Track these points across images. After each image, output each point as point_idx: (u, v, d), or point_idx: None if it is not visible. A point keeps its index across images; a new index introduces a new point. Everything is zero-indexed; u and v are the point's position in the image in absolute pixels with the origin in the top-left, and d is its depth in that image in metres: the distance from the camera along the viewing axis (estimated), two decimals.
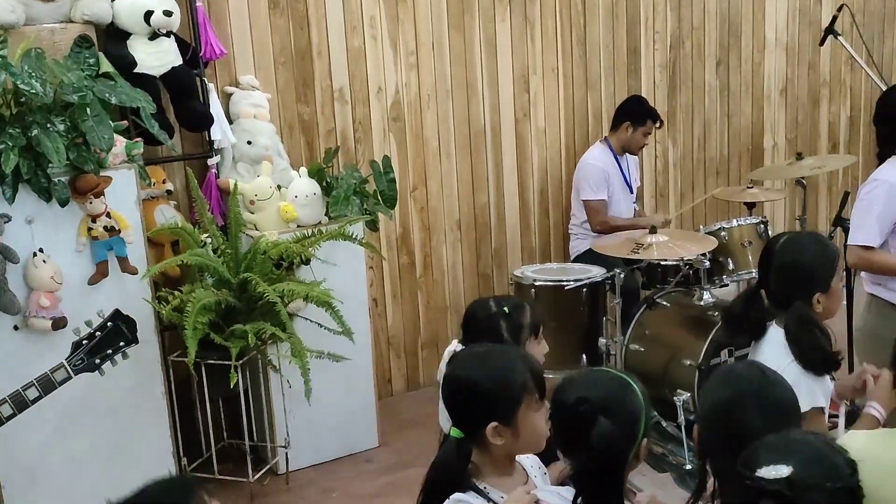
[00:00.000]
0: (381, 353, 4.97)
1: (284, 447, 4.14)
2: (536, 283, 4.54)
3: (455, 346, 3.02)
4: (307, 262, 4.03)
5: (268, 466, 4.18)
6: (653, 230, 4.48)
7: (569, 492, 2.10)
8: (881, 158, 3.54)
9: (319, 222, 4.20)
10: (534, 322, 2.91)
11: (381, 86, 4.78)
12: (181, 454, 3.99)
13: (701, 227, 4.68)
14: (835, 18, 4.79)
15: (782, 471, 1.64)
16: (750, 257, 4.67)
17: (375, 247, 4.41)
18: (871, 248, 3.43)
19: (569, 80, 5.34)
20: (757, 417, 1.98)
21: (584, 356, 4.49)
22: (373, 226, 4.42)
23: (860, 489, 1.72)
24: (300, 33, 4.53)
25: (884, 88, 4.64)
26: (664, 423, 4.37)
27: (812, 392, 2.63)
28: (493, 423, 2.12)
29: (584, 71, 5.38)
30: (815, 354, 2.68)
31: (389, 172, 4.39)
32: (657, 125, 5.15)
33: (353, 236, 4.03)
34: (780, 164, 5.72)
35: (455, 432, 2.16)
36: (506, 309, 2.90)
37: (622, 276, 4.39)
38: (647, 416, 2.14)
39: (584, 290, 4.49)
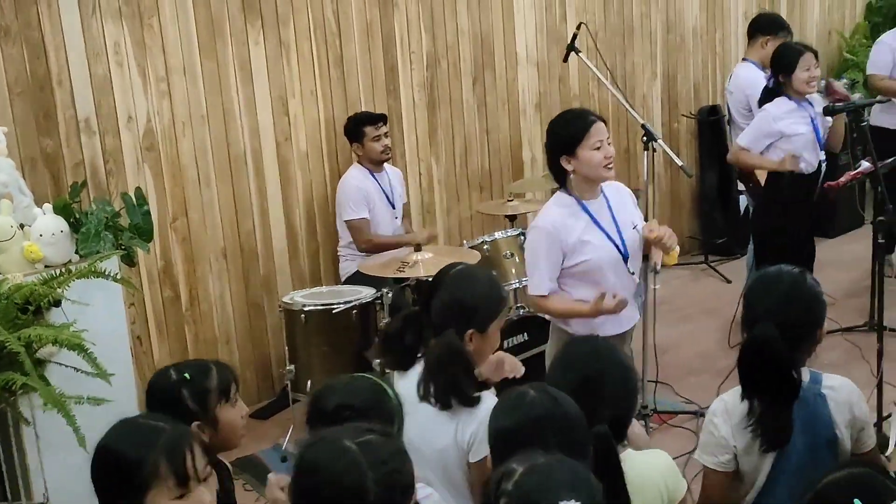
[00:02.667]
0: None
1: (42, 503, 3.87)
2: (306, 309, 4.50)
3: None
4: (57, 303, 3.79)
5: None
6: (418, 248, 4.54)
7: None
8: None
9: (69, 261, 3.97)
10: (222, 384, 2.58)
11: (131, 114, 4.59)
12: None
13: (465, 241, 4.79)
14: (575, 36, 5.03)
15: None
16: (513, 269, 4.82)
17: (132, 283, 4.20)
18: (545, 296, 3.49)
19: (328, 101, 5.33)
20: (547, 446, 1.96)
21: None
22: (129, 261, 4.21)
23: None
24: (37, 62, 4.27)
25: (623, 101, 4.94)
26: None
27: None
28: None
29: (343, 91, 5.39)
30: (450, 389, 2.65)
31: (143, 205, 4.20)
32: (378, 124, 5.14)
33: (107, 273, 3.83)
34: (537, 177, 5.95)
35: None
36: (186, 375, 2.59)
37: (390, 295, 4.42)
38: (400, 419, 2.25)
39: (354, 311, 4.49)
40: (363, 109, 5.43)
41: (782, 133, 4.82)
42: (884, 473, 2.00)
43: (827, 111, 4.60)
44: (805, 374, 2.57)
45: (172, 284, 4.83)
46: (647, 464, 2.36)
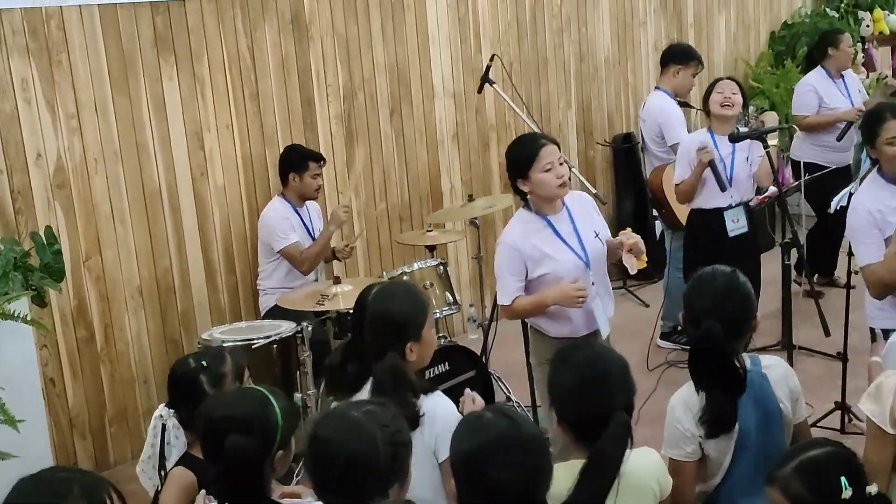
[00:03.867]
0: (63, 435, 4.64)
1: None
2: (225, 345, 4.44)
3: (162, 409, 3.06)
4: None
5: None
6: (337, 280, 4.53)
7: None
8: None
9: None
10: (237, 369, 2.97)
11: (40, 152, 4.51)
12: None
13: (384, 272, 4.79)
14: (488, 68, 5.12)
15: None
16: (433, 299, 4.83)
17: (44, 324, 4.11)
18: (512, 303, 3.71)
19: (244, 135, 5.30)
20: (505, 466, 2.08)
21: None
22: (40, 301, 4.13)
23: None
24: None
25: (537, 130, 5.02)
26: None
27: None
28: None
29: (260, 126, 5.37)
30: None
31: (54, 244, 4.13)
32: (321, 164, 5.20)
33: (16, 315, 3.75)
34: (456, 207, 5.99)
35: None
36: (204, 363, 2.96)
37: (310, 328, 4.39)
38: (284, 431, 2.38)
39: (275, 346, 4.45)
40: (280, 143, 5.42)
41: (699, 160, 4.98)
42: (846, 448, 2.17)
43: (732, 138, 4.75)
44: (746, 361, 2.78)
45: (87, 324, 4.73)
46: (640, 462, 2.49)
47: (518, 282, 3.70)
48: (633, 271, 3.85)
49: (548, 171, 3.60)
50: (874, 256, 3.67)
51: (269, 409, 2.39)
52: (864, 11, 8.86)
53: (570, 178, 4.67)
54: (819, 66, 6.55)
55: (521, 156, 3.65)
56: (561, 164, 3.64)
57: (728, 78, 5.14)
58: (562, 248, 3.69)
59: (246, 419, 2.35)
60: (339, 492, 2.14)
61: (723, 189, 4.98)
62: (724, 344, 2.70)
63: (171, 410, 3.04)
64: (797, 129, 6.08)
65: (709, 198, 5.05)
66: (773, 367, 2.85)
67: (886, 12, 8.92)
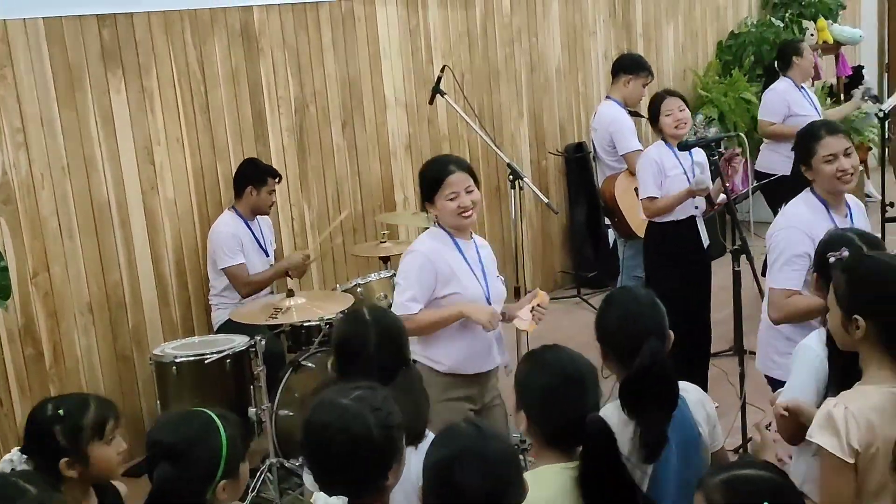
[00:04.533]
0: None
1: None
2: (177, 360, 4.41)
3: (14, 454, 2.59)
4: None
5: None
6: (290, 293, 4.50)
7: None
8: None
9: None
10: (97, 422, 2.57)
11: None
12: None
13: (338, 285, 4.78)
14: (439, 78, 5.13)
15: None
16: None
17: None
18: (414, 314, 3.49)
19: (195, 148, 5.26)
20: (476, 474, 2.06)
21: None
22: None
23: None
24: None
25: (489, 141, 5.04)
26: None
27: None
28: None
29: (211, 138, 5.33)
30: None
31: (0, 260, 4.05)
32: (277, 181, 5.18)
33: None
34: (408, 212, 5.99)
35: None
36: (60, 412, 2.57)
37: (263, 342, 4.36)
38: (229, 460, 2.26)
39: (228, 360, 4.42)
40: (232, 156, 5.38)
41: (665, 174, 4.95)
42: (783, 475, 2.12)
43: (681, 146, 4.80)
44: None
45: (34, 342, 4.65)
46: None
47: (423, 294, 3.52)
48: (521, 327, 3.70)
49: (451, 199, 3.50)
50: (796, 283, 3.50)
51: (212, 436, 2.28)
52: (808, 21, 9.03)
53: (520, 189, 4.75)
54: (782, 76, 6.66)
55: (427, 180, 3.59)
56: (469, 192, 3.52)
57: (671, 93, 5.12)
58: (469, 274, 3.58)
59: (180, 447, 2.24)
60: (341, 478, 2.17)
61: (713, 206, 5.00)
62: (668, 364, 2.60)
63: (24, 456, 2.59)
64: (743, 137, 6.14)
65: (682, 209, 4.97)
66: (689, 391, 2.75)
67: (830, 21, 9.10)
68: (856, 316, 2.38)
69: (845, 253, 2.72)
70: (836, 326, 2.46)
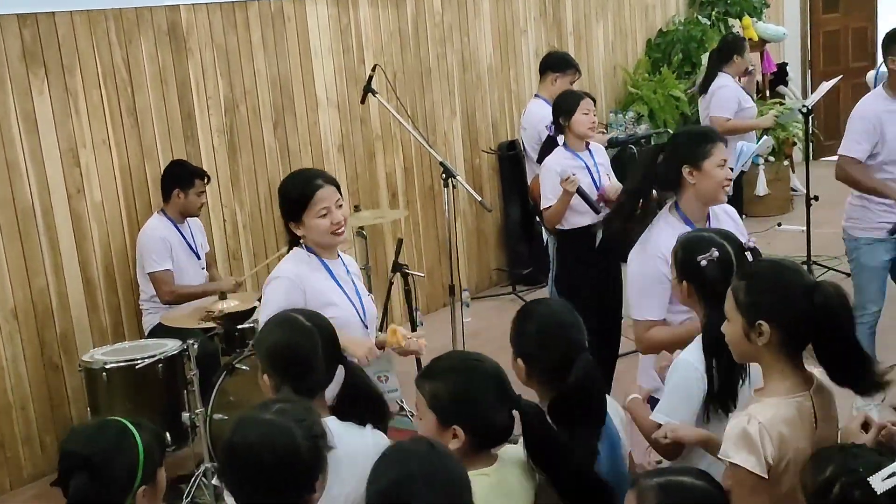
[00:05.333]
0: None
1: None
2: (108, 366, 4.32)
3: None
4: None
5: None
6: (223, 296, 4.44)
7: None
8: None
9: None
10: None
11: None
12: None
13: None
14: (371, 78, 5.10)
15: None
16: None
17: None
18: None
19: (122, 150, 5.16)
20: (428, 494, 1.95)
21: (167, 434, 4.31)
22: None
23: None
24: None
25: (421, 140, 5.04)
26: None
27: None
28: None
29: (138, 140, 5.23)
30: None
31: None
32: (206, 182, 5.11)
33: None
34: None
35: None
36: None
37: (195, 346, 4.30)
38: (146, 466, 2.21)
39: (160, 365, 4.35)
40: (160, 157, 5.30)
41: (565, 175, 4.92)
42: (717, 487, 2.15)
43: (611, 143, 4.83)
44: None
45: None
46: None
47: None
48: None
49: (322, 216, 3.23)
50: (657, 312, 3.27)
51: (127, 444, 2.22)
52: (733, 19, 9.20)
53: (453, 187, 4.75)
54: (721, 72, 6.73)
55: (293, 196, 3.29)
56: (339, 206, 3.28)
57: (589, 96, 5.08)
58: (341, 296, 3.33)
59: (95, 457, 2.17)
60: (268, 494, 2.09)
61: (596, 212, 4.82)
62: (600, 378, 2.53)
63: None
64: (665, 132, 6.20)
65: (581, 216, 4.89)
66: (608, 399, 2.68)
67: (755, 19, 9.28)
68: (760, 322, 2.30)
69: (716, 254, 2.72)
70: (736, 336, 2.37)
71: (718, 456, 2.33)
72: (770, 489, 2.25)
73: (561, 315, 2.64)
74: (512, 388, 2.42)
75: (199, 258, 5.16)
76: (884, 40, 4.65)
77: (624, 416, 2.77)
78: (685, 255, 2.81)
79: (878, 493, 1.89)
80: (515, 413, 2.38)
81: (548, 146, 5.13)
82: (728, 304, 2.40)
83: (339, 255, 3.45)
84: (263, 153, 5.93)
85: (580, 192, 4.73)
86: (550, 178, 4.84)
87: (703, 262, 2.65)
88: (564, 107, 4.90)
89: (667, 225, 3.31)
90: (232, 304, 4.38)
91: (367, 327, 3.43)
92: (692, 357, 2.74)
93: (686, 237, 2.93)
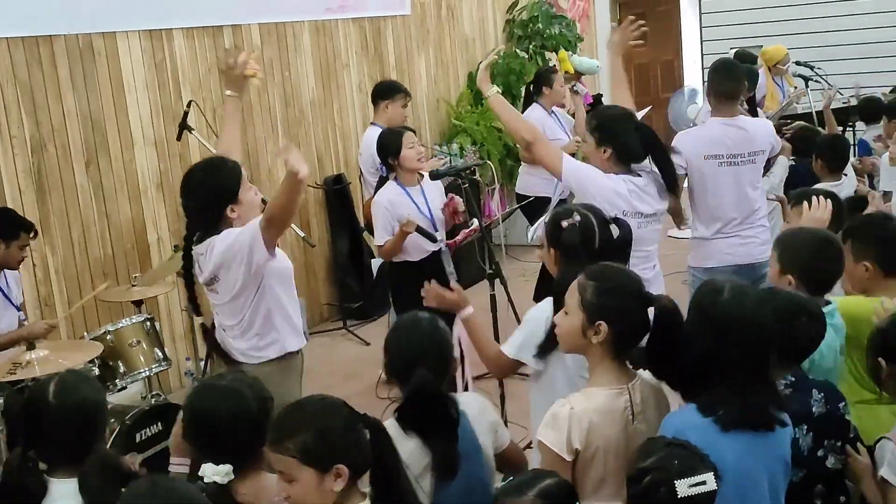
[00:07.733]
0: None
1: None
2: None
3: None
4: None
5: None
6: (31, 346, 4.19)
7: None
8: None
9: None
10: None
11: None
12: None
13: (86, 333, 4.51)
14: (186, 114, 4.97)
15: None
16: (141, 357, 4.61)
17: None
18: None
19: None
20: None
21: None
22: None
23: None
24: None
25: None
26: None
27: None
28: None
29: None
30: None
31: None
32: (32, 236, 4.83)
33: None
34: (164, 262, 5.72)
35: None
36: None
37: (1, 400, 4.03)
38: None
39: None
40: None
41: (400, 216, 4.96)
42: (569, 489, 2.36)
43: (433, 175, 4.89)
44: None
45: None
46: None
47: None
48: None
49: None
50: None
51: None
52: (550, 52, 9.51)
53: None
54: (535, 103, 7.06)
55: (227, 180, 3.74)
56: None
57: (405, 129, 5.19)
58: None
59: None
60: (226, 448, 2.46)
61: (433, 241, 4.98)
62: (437, 389, 2.70)
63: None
64: (491, 164, 6.34)
65: (417, 248, 5.02)
66: (470, 404, 2.86)
67: (570, 53, 9.61)
68: (600, 322, 2.52)
69: (577, 218, 2.97)
70: (572, 329, 2.59)
71: (537, 436, 2.58)
72: (569, 470, 2.48)
73: (415, 327, 2.86)
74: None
75: (18, 310, 4.83)
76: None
77: (493, 418, 2.93)
78: (552, 223, 3.07)
79: (680, 496, 2.05)
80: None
81: (381, 184, 5.21)
82: (571, 298, 2.60)
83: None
84: (76, 194, 5.66)
85: (419, 230, 4.86)
86: (381, 213, 4.91)
87: (565, 224, 2.92)
88: (391, 147, 5.01)
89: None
90: (42, 354, 4.13)
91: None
92: (545, 306, 2.99)
93: (556, 210, 3.24)
